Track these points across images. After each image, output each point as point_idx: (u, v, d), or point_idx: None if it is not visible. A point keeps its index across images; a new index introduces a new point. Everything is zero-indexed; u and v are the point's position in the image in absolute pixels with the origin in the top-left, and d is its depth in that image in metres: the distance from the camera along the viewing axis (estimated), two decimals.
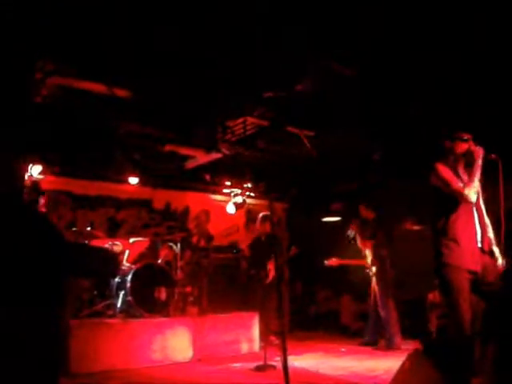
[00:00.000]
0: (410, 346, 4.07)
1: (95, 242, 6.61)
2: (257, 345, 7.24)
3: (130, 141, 7.62)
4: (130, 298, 6.41)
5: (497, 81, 5.48)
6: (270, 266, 7.57)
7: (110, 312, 6.59)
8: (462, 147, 3.89)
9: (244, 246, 9.63)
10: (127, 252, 7.08)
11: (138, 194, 9.04)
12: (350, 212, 9.24)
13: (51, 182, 7.49)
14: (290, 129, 7.21)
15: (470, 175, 3.79)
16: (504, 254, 3.84)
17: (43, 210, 5.03)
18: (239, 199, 9.48)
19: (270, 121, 6.87)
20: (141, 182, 8.65)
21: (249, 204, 9.91)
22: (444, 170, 3.86)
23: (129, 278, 6.49)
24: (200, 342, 6.57)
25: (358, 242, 7.63)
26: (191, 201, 9.85)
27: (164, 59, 5.22)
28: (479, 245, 3.82)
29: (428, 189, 3.96)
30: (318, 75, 5.43)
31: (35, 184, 7.15)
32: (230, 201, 9.57)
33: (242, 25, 4.54)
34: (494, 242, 3.91)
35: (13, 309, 2.33)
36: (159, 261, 7.32)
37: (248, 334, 7.24)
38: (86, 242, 6.44)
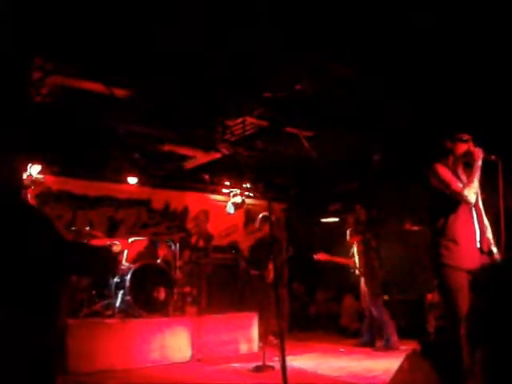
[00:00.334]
0: (409, 346, 4.07)
1: (94, 242, 6.61)
2: (256, 345, 7.24)
3: (129, 141, 7.62)
4: (128, 297, 6.41)
5: (497, 81, 5.49)
6: (271, 267, 7.58)
7: (109, 312, 6.59)
8: (462, 148, 3.90)
9: (244, 246, 9.65)
10: (126, 252, 7.08)
11: (137, 193, 9.04)
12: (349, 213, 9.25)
13: (50, 182, 7.48)
14: (289, 129, 7.22)
15: (470, 176, 3.80)
16: (503, 254, 3.84)
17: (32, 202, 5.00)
18: (238, 199, 9.48)
19: (269, 121, 6.88)
20: (140, 182, 8.65)
21: (248, 204, 9.91)
22: (443, 171, 3.86)
23: (128, 277, 6.49)
24: (199, 342, 6.57)
25: (348, 235, 7.69)
26: (190, 201, 9.85)
27: (164, 59, 5.22)
28: (478, 245, 3.82)
29: (427, 189, 3.97)
30: (317, 75, 5.43)
31: (34, 183, 7.15)
32: (229, 201, 9.56)
33: (242, 24, 4.54)
34: (492, 242, 3.91)
35: (8, 308, 2.33)
36: (158, 260, 7.32)
37: (247, 334, 7.24)
38: (85, 241, 6.44)
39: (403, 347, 6.65)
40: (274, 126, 7.03)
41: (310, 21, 4.53)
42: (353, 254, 7.63)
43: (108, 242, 6.90)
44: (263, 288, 7.56)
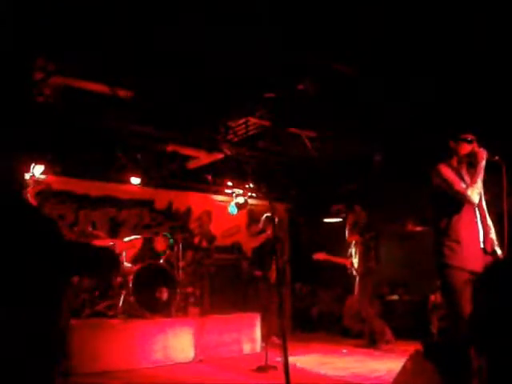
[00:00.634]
0: (412, 347, 4.05)
1: (96, 242, 6.62)
2: (258, 345, 7.23)
3: (131, 141, 7.62)
4: (131, 298, 6.42)
5: (500, 82, 5.47)
6: (274, 267, 7.59)
7: (112, 312, 6.60)
8: (466, 148, 3.88)
9: (248, 246, 9.64)
10: (124, 252, 7.08)
11: (140, 194, 9.03)
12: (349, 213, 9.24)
13: (53, 182, 7.48)
14: (291, 129, 7.21)
15: (473, 176, 3.79)
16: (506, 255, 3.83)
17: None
18: (241, 200, 9.48)
19: (271, 121, 6.87)
20: (143, 183, 8.64)
21: (250, 205, 9.91)
22: (447, 171, 3.85)
23: (130, 278, 6.50)
24: (201, 343, 6.57)
25: (347, 234, 7.69)
26: (193, 201, 9.84)
27: (166, 59, 5.22)
28: (482, 245, 3.81)
29: (430, 189, 3.95)
30: (318, 76, 5.43)
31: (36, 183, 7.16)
32: (231, 201, 9.56)
33: (243, 24, 4.54)
34: (496, 242, 3.90)
35: (8, 309, 2.33)
36: (161, 261, 7.32)
37: (249, 334, 7.24)
38: (88, 241, 6.45)
39: (402, 348, 6.63)
40: (276, 127, 7.02)
41: (311, 20, 4.52)
42: (351, 254, 7.66)
43: (110, 243, 6.90)
44: (267, 289, 7.56)
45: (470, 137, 3.88)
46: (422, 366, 3.63)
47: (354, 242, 7.64)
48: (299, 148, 7.74)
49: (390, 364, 5.66)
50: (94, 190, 8.43)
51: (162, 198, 9.45)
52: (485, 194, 3.91)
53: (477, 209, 3.85)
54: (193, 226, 9.66)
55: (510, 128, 6.00)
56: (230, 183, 9.39)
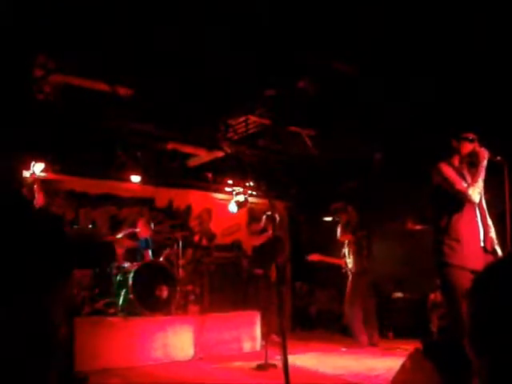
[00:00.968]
0: (411, 345, 4.06)
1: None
2: (258, 343, 7.24)
3: (132, 139, 7.62)
4: (131, 296, 6.42)
5: (503, 82, 5.46)
6: (274, 265, 7.61)
7: (112, 310, 6.60)
8: (468, 147, 3.88)
9: (249, 244, 9.64)
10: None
11: (140, 192, 9.03)
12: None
13: (53, 181, 7.48)
14: (291, 128, 7.21)
15: (474, 176, 3.78)
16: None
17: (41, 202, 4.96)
18: (241, 198, 9.47)
19: (272, 119, 6.87)
20: (143, 181, 8.64)
21: (251, 203, 9.90)
22: (448, 170, 3.84)
23: (130, 276, 6.50)
24: (201, 341, 6.58)
25: (338, 234, 7.71)
26: (193, 199, 9.84)
27: (166, 57, 5.22)
28: (482, 244, 3.81)
29: (430, 188, 3.95)
30: (318, 74, 5.43)
31: (37, 182, 7.16)
32: (231, 199, 9.56)
33: (244, 23, 4.54)
34: (496, 241, 3.90)
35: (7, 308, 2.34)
36: (161, 259, 7.33)
37: (249, 332, 7.25)
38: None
39: (402, 346, 6.63)
40: (276, 125, 7.02)
41: (311, 20, 4.52)
42: (344, 254, 7.68)
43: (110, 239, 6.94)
44: (267, 287, 7.56)
45: (471, 136, 3.87)
46: (421, 365, 3.63)
47: (346, 241, 7.67)
48: (299, 146, 7.74)
49: (390, 362, 5.65)
50: (94, 188, 8.42)
51: (163, 196, 9.44)
52: (485, 193, 3.91)
53: (477, 208, 3.85)
54: (193, 224, 9.65)
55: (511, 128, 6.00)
56: (230, 181, 9.38)
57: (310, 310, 10.10)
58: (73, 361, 4.79)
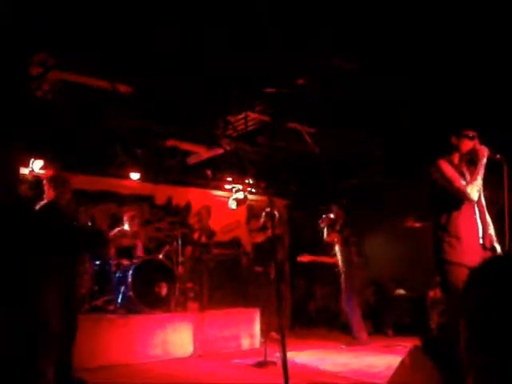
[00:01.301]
0: (411, 342, 4.06)
1: None
2: (257, 341, 7.24)
3: (131, 136, 7.61)
4: (130, 293, 6.42)
5: (503, 80, 5.46)
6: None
7: (111, 307, 6.61)
8: (468, 145, 3.87)
9: (250, 242, 9.64)
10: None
11: (140, 189, 9.02)
12: (351, 209, 9.24)
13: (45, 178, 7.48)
14: (291, 125, 7.20)
15: (473, 174, 3.77)
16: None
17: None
18: (240, 195, 9.46)
19: (271, 116, 6.86)
20: (142, 178, 8.63)
21: (250, 200, 9.90)
22: (446, 167, 3.83)
23: (129, 273, 6.50)
24: (200, 338, 6.58)
25: (325, 236, 7.75)
26: (193, 196, 9.84)
27: (166, 55, 5.21)
28: (481, 241, 3.81)
29: (429, 186, 3.95)
30: (318, 71, 5.42)
31: (37, 179, 7.16)
32: (231, 197, 9.55)
33: (244, 20, 4.53)
34: (495, 238, 3.90)
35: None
36: (160, 256, 7.32)
37: (249, 329, 7.25)
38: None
39: (401, 343, 6.65)
40: (276, 122, 7.01)
41: (312, 18, 4.51)
42: (335, 253, 7.70)
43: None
44: (267, 285, 7.56)
45: (471, 133, 3.86)
46: (420, 362, 3.64)
47: (335, 240, 7.68)
48: (299, 143, 7.73)
49: (389, 359, 5.66)
50: (93, 186, 8.40)
51: (162, 193, 9.44)
52: (484, 191, 3.90)
53: (476, 205, 3.85)
54: (192, 221, 9.65)
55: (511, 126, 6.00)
56: (229, 178, 9.38)
57: (309, 308, 10.11)
58: (72, 358, 4.74)
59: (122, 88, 5.86)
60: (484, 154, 3.77)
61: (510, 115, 5.88)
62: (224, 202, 9.64)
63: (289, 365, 3.81)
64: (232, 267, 8.81)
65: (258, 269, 8.11)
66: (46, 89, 5.80)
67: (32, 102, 5.53)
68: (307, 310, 10.03)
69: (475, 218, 3.83)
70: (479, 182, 3.75)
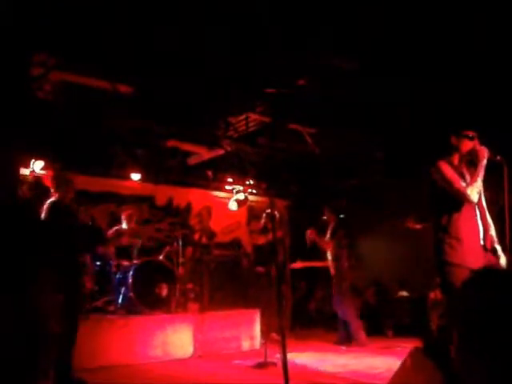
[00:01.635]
0: (411, 344, 4.06)
1: None
2: (257, 342, 7.23)
3: (132, 137, 7.61)
4: (131, 294, 6.41)
5: (503, 81, 5.45)
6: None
7: (111, 308, 6.60)
8: (468, 145, 3.86)
9: (253, 243, 9.63)
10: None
11: (140, 190, 9.02)
12: (351, 210, 9.23)
13: (49, 178, 7.47)
14: (292, 126, 7.19)
15: (474, 175, 3.76)
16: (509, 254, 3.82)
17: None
18: (241, 196, 9.47)
19: (272, 117, 6.86)
20: (143, 178, 8.63)
21: (251, 201, 9.90)
22: (446, 169, 3.83)
23: (130, 273, 6.49)
24: (201, 339, 6.57)
25: (320, 242, 7.72)
26: (193, 197, 9.84)
27: (166, 55, 5.21)
28: (482, 243, 3.80)
29: (430, 187, 3.94)
30: (319, 70, 5.42)
31: (37, 180, 7.16)
32: (232, 197, 9.56)
33: (244, 21, 4.53)
34: (496, 240, 3.89)
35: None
36: (161, 257, 7.32)
37: (249, 330, 7.24)
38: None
39: (402, 345, 6.64)
40: (277, 123, 7.01)
41: (312, 17, 4.51)
42: (327, 256, 7.70)
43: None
44: (268, 285, 7.56)
45: (471, 133, 3.85)
46: (421, 363, 3.63)
47: (326, 246, 7.67)
48: (300, 144, 7.73)
49: (389, 361, 5.66)
50: (94, 186, 8.40)
51: (163, 193, 9.44)
52: (485, 192, 3.89)
53: (477, 206, 3.84)
54: (193, 222, 9.65)
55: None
56: (230, 179, 9.38)
57: (310, 309, 10.10)
58: (72, 359, 4.73)
59: (123, 88, 5.86)
60: (484, 155, 3.76)
61: (510, 115, 5.87)
62: (225, 203, 9.65)
63: (289, 366, 3.80)
64: (232, 268, 8.80)
65: (260, 269, 8.09)
66: (47, 89, 5.81)
67: (33, 102, 5.54)
68: (307, 311, 10.02)
69: (476, 220, 3.82)
70: (479, 183, 3.74)
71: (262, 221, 8.23)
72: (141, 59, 5.25)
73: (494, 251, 3.84)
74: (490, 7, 4.30)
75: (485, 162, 3.75)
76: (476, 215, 3.83)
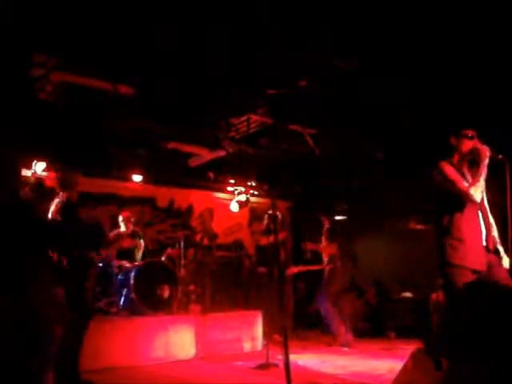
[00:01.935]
0: (414, 345, 4.05)
1: None
2: (259, 343, 7.22)
3: (133, 138, 7.60)
4: (133, 295, 6.41)
5: (504, 79, 5.44)
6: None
7: (113, 309, 6.60)
8: (468, 145, 3.84)
9: (251, 244, 9.62)
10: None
11: (142, 191, 9.02)
12: (353, 211, 9.24)
13: (54, 180, 7.47)
14: (293, 127, 7.19)
15: (476, 174, 3.74)
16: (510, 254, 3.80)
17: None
18: (243, 197, 9.47)
19: (273, 119, 6.85)
20: (144, 180, 8.63)
21: (252, 202, 9.89)
22: (449, 169, 3.81)
23: (132, 275, 6.49)
24: (202, 340, 6.56)
25: (317, 248, 7.77)
26: (195, 199, 9.84)
27: (168, 56, 5.21)
28: (484, 244, 3.78)
29: (431, 188, 3.93)
30: (319, 71, 5.41)
31: (39, 181, 7.16)
32: (233, 199, 9.55)
33: (244, 21, 4.52)
34: (498, 241, 3.87)
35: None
36: (163, 258, 7.32)
37: (250, 332, 7.23)
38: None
39: (404, 346, 6.62)
40: (278, 124, 7.00)
41: (312, 17, 4.50)
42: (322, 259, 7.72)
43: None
44: (270, 286, 7.55)
45: (470, 133, 3.84)
46: (423, 365, 3.61)
47: (322, 250, 7.71)
48: (300, 145, 7.72)
49: (391, 362, 5.65)
50: (95, 188, 8.40)
51: (164, 195, 9.44)
52: (487, 192, 3.87)
53: (479, 207, 3.82)
54: (194, 223, 9.65)
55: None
56: (231, 181, 9.38)
57: (311, 310, 10.08)
58: (78, 360, 4.72)
59: (123, 89, 5.85)
60: (486, 154, 3.74)
61: (510, 116, 5.86)
62: (226, 205, 9.64)
63: (291, 367, 3.79)
64: (234, 269, 8.79)
65: (262, 270, 8.08)
66: (48, 90, 5.81)
67: (34, 103, 5.54)
68: (307, 313, 10.01)
69: (478, 220, 3.81)
70: (482, 183, 3.72)
71: (265, 222, 8.23)
72: (141, 59, 5.24)
73: (497, 252, 3.82)
74: (490, 7, 4.28)
75: (487, 161, 3.73)
76: (478, 216, 3.81)
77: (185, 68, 5.47)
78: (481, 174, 3.71)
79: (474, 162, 3.84)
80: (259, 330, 7.32)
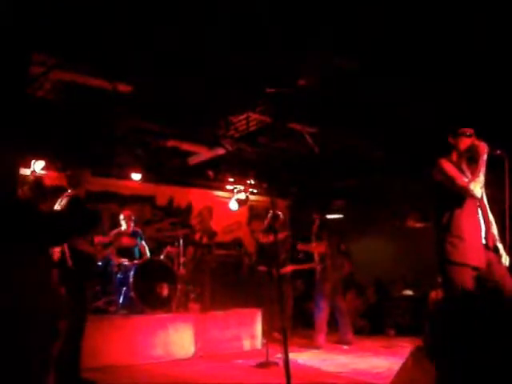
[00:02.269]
0: (413, 343, 4.06)
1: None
2: (259, 341, 7.23)
3: (132, 136, 7.60)
4: (132, 293, 6.42)
5: (503, 76, 5.44)
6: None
7: (112, 308, 6.60)
8: (465, 143, 3.85)
9: (250, 242, 9.62)
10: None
11: (141, 190, 9.03)
12: (352, 209, 9.25)
13: (54, 178, 7.46)
14: (292, 125, 7.19)
15: (475, 170, 3.74)
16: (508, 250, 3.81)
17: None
18: (242, 196, 9.48)
19: (272, 117, 6.85)
20: (144, 178, 8.63)
21: (252, 201, 9.90)
22: (448, 166, 3.82)
23: (131, 273, 6.50)
24: (202, 339, 6.57)
25: (309, 249, 7.77)
26: (194, 197, 9.84)
27: (167, 54, 5.20)
28: (483, 241, 3.79)
29: (431, 185, 3.93)
30: (319, 70, 5.41)
31: (38, 180, 7.15)
32: (232, 197, 9.56)
33: (244, 20, 4.52)
34: (498, 238, 3.88)
35: None
36: (161, 257, 7.32)
37: (250, 330, 7.23)
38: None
39: (403, 344, 6.64)
40: (277, 122, 7.00)
41: (312, 17, 4.50)
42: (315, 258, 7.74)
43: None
44: (270, 285, 7.56)
45: (468, 131, 3.85)
46: (422, 363, 3.63)
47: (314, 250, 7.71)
48: (300, 144, 7.72)
49: (391, 360, 5.66)
50: (94, 186, 8.38)
51: (163, 193, 9.45)
52: (486, 188, 3.88)
53: (478, 204, 3.83)
54: (194, 221, 9.66)
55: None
56: (231, 179, 9.38)
57: (308, 308, 10.10)
58: (79, 359, 4.71)
59: (123, 88, 5.85)
60: (484, 149, 3.74)
61: (510, 116, 5.87)
62: (225, 203, 9.65)
63: (291, 365, 3.79)
64: (233, 268, 8.79)
65: (261, 268, 8.09)
66: (47, 89, 5.80)
67: (33, 101, 5.53)
68: (305, 310, 10.03)
69: (477, 218, 3.82)
70: (481, 178, 3.72)
71: (266, 221, 8.23)
72: (141, 59, 5.24)
73: (496, 250, 3.83)
74: (490, 7, 4.29)
75: (485, 156, 3.73)
76: (477, 213, 3.82)
77: (183, 66, 5.46)
78: (480, 170, 3.72)
79: (472, 158, 3.85)
80: (259, 328, 7.32)
